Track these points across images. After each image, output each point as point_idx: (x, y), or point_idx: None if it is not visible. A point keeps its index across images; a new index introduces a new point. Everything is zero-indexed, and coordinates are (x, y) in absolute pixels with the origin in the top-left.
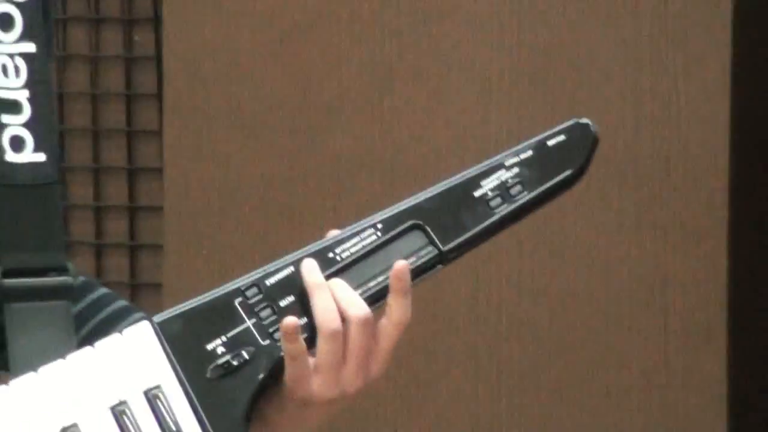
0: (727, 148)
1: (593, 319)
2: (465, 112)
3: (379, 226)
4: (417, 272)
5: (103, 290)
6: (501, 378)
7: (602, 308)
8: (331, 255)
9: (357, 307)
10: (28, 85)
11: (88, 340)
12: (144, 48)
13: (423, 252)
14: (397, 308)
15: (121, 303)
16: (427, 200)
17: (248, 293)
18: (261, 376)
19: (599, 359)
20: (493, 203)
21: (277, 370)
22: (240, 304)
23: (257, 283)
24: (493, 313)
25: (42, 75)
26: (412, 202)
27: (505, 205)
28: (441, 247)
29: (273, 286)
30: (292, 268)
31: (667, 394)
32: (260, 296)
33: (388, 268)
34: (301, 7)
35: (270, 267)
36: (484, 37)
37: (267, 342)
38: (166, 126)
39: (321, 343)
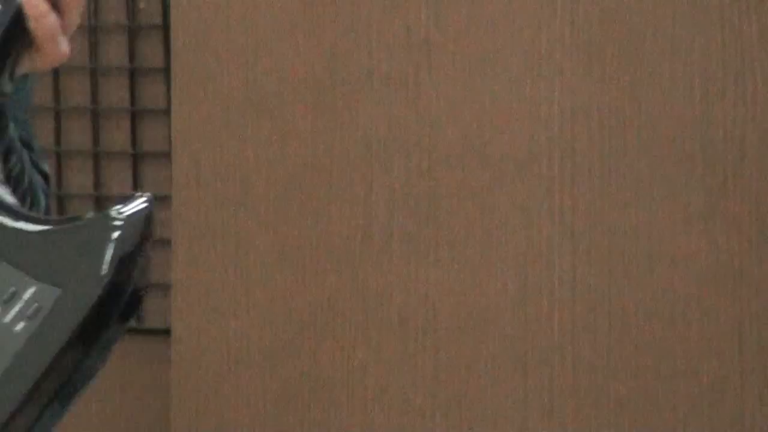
0: None
1: (658, 324)
2: (511, 88)
3: None
4: None
5: None
6: (554, 394)
7: (668, 312)
8: None
9: None
10: None
11: None
12: (149, 16)
13: None
14: None
15: None
16: None
17: None
18: None
19: (665, 370)
20: None
21: None
22: None
23: None
24: (545, 319)
25: None
26: None
27: None
28: None
29: None
30: None
31: (742, 408)
32: None
33: None
34: None
35: None
36: (533, 2)
37: None
38: (174, 105)
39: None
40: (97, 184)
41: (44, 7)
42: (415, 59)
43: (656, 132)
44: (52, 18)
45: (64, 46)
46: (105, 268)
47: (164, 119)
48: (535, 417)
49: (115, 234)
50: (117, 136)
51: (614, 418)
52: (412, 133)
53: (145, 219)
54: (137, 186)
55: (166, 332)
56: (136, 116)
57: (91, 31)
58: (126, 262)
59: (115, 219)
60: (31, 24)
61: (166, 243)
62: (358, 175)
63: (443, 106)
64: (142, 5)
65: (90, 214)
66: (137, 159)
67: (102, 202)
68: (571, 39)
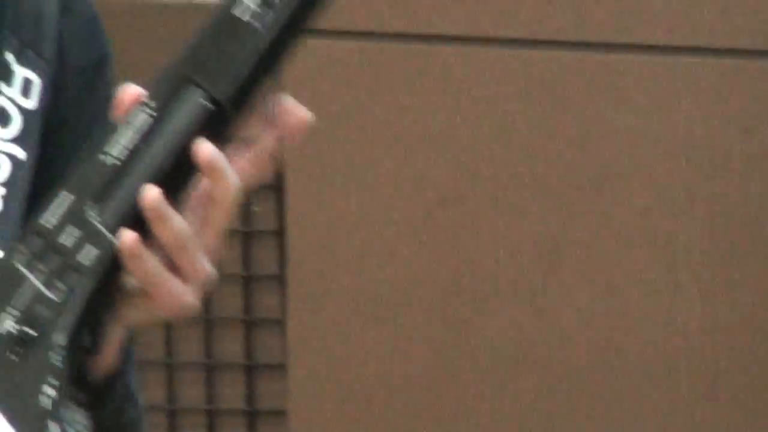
0: None
1: None
2: (647, 296)
3: (148, 102)
4: (207, 138)
5: None
6: None
7: None
8: (102, 158)
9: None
10: (7, 184)
11: None
12: (264, 220)
13: (201, 111)
14: (161, 234)
15: None
16: (187, 47)
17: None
18: (64, 343)
19: None
20: (260, 16)
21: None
22: (19, 260)
23: (32, 228)
24: None
25: (25, 183)
26: (175, 57)
27: (274, 14)
28: (217, 97)
29: (55, 226)
30: (68, 197)
31: None
32: (39, 241)
33: (176, 143)
34: (451, 175)
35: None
36: (670, 203)
37: (58, 296)
38: (291, 314)
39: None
40: (209, 399)
41: (146, 253)
42: (543, 267)
43: None
44: (150, 262)
45: (181, 294)
46: None
47: (279, 329)
48: None
49: None
50: (230, 346)
51: None
52: (541, 345)
53: None
54: (251, 399)
55: None
56: (250, 325)
57: None
58: None
59: None
60: (128, 267)
61: None
62: (485, 388)
63: (573, 317)
64: (256, 208)
65: None
66: (251, 370)
67: (215, 414)
68: (710, 244)
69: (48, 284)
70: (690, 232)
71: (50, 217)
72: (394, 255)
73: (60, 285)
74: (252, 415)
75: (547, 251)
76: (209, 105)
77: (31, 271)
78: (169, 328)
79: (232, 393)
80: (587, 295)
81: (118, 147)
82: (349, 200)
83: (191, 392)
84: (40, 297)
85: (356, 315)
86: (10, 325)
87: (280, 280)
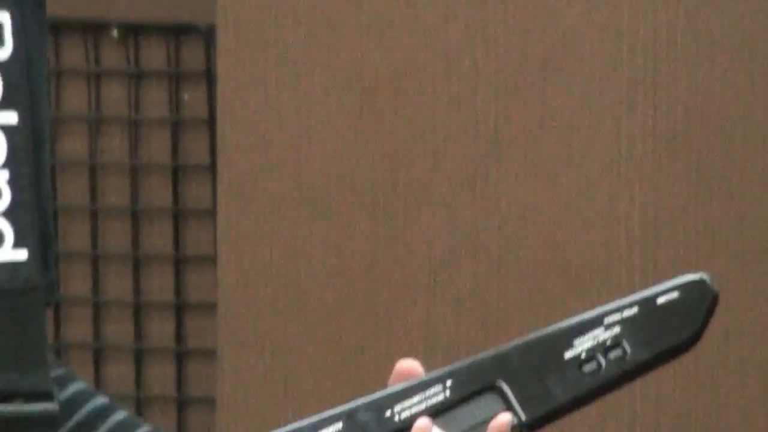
0: None
1: None
2: (589, 185)
3: (449, 382)
4: None
5: (79, 385)
6: None
7: None
8: (387, 413)
9: None
10: (7, 164)
11: None
12: (194, 109)
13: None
14: None
15: (101, 400)
16: (507, 356)
17: None
18: None
19: None
20: (586, 367)
21: None
22: None
23: None
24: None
25: (25, 152)
26: (490, 356)
27: (601, 371)
28: (522, 415)
29: None
30: (340, 426)
31: None
32: None
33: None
34: (387, 60)
35: (311, 425)
36: (612, 94)
37: None
38: (221, 205)
39: None
40: (137, 290)
41: None
42: (482, 157)
43: (747, 237)
44: None
45: None
46: None
47: (209, 220)
48: None
49: None
50: (159, 239)
51: None
52: (479, 238)
53: None
54: (179, 291)
55: None
56: (179, 216)
57: (131, 126)
58: None
59: None
60: None
61: (210, 354)
62: (421, 281)
63: (513, 209)
64: (186, 97)
65: None
66: (180, 262)
67: (143, 310)
68: (653, 134)
69: None
70: (632, 121)
71: None
72: (328, 146)
73: None
74: (180, 308)
75: (486, 141)
76: (512, 417)
77: None
78: (97, 309)
79: (159, 290)
80: (528, 186)
81: (407, 410)
82: (282, 87)
83: (119, 377)
84: None
85: (288, 207)
86: None
87: (211, 169)
